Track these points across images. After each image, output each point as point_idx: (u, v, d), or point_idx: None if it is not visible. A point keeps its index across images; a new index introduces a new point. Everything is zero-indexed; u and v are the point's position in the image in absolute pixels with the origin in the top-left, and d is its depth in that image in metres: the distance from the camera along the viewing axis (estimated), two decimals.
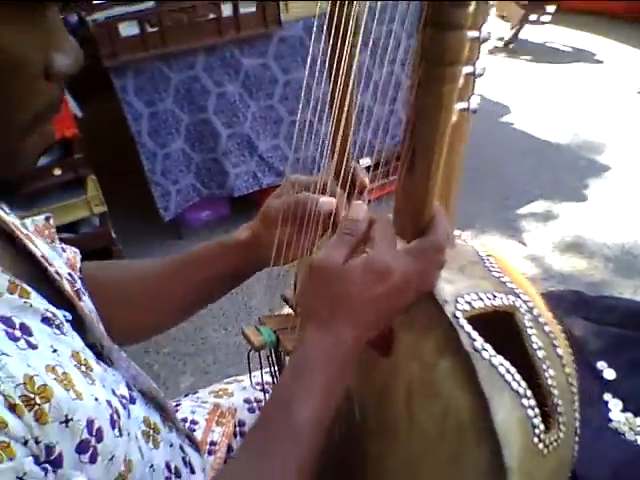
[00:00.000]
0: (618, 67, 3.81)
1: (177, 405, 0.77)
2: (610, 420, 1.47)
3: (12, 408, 0.36)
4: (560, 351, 0.56)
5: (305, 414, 0.46)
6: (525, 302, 0.56)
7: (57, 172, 1.97)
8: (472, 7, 0.46)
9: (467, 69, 0.50)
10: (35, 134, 0.41)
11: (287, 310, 0.67)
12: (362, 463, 0.67)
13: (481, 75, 0.51)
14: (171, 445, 0.58)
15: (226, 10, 2.07)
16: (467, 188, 2.53)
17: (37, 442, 0.38)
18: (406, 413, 0.58)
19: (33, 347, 0.41)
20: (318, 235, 0.60)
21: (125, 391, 0.52)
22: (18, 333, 0.41)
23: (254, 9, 2.10)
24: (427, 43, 0.43)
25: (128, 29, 1.99)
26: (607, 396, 1.52)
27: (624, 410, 1.49)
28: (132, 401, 0.53)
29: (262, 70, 2.20)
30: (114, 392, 0.49)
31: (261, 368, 0.63)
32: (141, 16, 2.01)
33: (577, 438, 0.59)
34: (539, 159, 2.77)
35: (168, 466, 0.56)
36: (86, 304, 0.55)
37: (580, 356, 1.62)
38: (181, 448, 0.61)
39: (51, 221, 0.59)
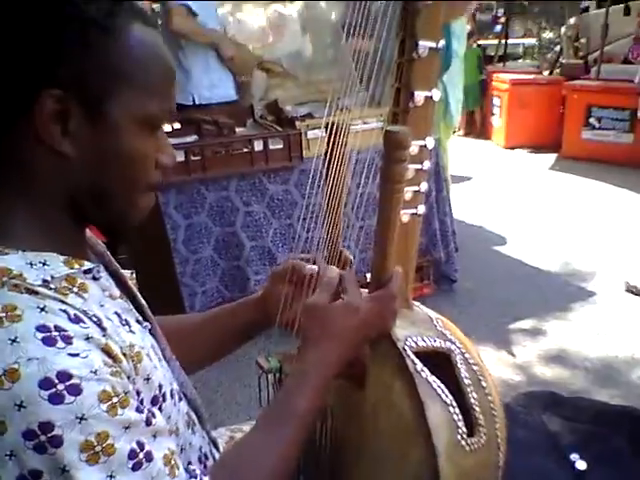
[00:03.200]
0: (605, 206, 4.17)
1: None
2: None
3: (123, 355, 0.60)
4: (484, 384, 0.79)
5: (299, 404, 0.70)
6: (459, 348, 0.80)
7: None
8: (415, 149, 0.77)
9: (414, 188, 0.80)
10: (144, 198, 0.66)
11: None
12: (342, 473, 0.87)
13: (423, 193, 0.81)
14: (203, 437, 0.79)
15: (258, 146, 2.48)
16: (464, 305, 2.80)
17: (134, 383, 0.60)
18: (372, 426, 0.80)
19: (132, 332, 0.65)
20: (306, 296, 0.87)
21: (177, 388, 0.74)
22: (124, 322, 0.65)
23: (281, 146, 2.51)
24: (382, 170, 0.72)
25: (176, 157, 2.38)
26: None
27: None
28: (180, 398, 0.75)
29: (284, 195, 2.56)
30: (170, 383, 0.72)
31: (267, 387, 0.87)
32: (187, 147, 2.40)
33: (501, 454, 0.78)
34: (531, 283, 3.05)
35: (201, 449, 0.77)
36: None
37: (555, 448, 1.80)
38: (209, 444, 0.82)
39: (133, 275, 0.87)
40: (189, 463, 0.72)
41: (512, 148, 5.89)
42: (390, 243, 0.75)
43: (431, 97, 0.75)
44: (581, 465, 1.72)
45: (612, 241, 3.57)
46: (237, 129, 2.67)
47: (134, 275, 0.85)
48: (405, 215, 0.80)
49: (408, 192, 0.79)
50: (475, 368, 0.80)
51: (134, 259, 2.41)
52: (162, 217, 2.39)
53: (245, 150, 2.46)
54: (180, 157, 2.38)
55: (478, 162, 5.26)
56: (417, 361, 0.76)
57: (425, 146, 0.77)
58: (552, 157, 5.57)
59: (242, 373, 2.25)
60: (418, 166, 0.78)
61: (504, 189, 4.66)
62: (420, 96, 0.74)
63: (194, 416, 0.79)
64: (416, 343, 0.78)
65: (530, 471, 1.65)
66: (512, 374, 2.27)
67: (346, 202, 0.95)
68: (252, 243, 2.53)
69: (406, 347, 0.77)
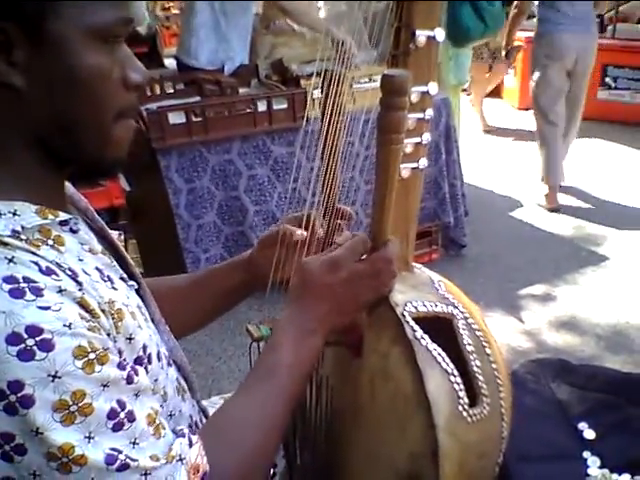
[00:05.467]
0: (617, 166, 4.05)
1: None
2: (588, 475, 1.56)
3: (102, 311, 0.56)
4: (489, 351, 0.73)
5: (279, 359, 0.66)
6: (462, 312, 0.75)
7: None
8: (416, 96, 0.70)
9: (415, 139, 0.73)
10: (119, 125, 0.60)
11: None
12: (338, 446, 0.83)
13: (425, 144, 0.74)
14: (193, 405, 0.76)
15: (261, 106, 2.40)
16: (473, 270, 2.74)
17: (115, 341, 0.56)
18: (370, 398, 0.75)
19: (115, 289, 0.61)
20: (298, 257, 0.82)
21: (166, 352, 0.71)
22: (106, 279, 0.61)
23: (285, 106, 2.43)
24: (379, 118, 0.65)
25: (176, 118, 2.31)
26: (586, 454, 1.63)
27: (602, 467, 1.59)
28: (169, 364, 0.71)
29: (289, 157, 2.49)
30: (157, 345, 0.68)
31: (259, 355, 0.83)
32: (188, 108, 2.33)
33: (505, 424, 0.74)
34: (542, 248, 2.98)
35: (191, 417, 0.73)
36: None
37: (563, 417, 1.75)
38: (199, 413, 0.78)
39: (122, 237, 0.82)
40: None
41: (526, 109, 5.69)
42: (388, 199, 0.69)
43: (434, 37, 0.68)
44: (589, 434, 1.68)
45: (627, 204, 3.47)
46: (242, 89, 2.60)
47: (122, 237, 0.80)
48: (405, 169, 0.74)
49: (409, 144, 0.72)
50: (479, 334, 0.74)
51: (135, 225, 2.38)
52: (163, 181, 2.33)
53: (248, 111, 2.39)
54: (181, 118, 2.32)
55: (491, 123, 5.10)
56: (417, 327, 0.70)
57: (427, 92, 0.70)
58: None
59: (245, 341, 2.22)
60: (420, 115, 0.71)
61: (517, 151, 4.53)
62: (422, 36, 0.67)
63: (184, 383, 0.76)
64: (416, 308, 0.73)
65: (537, 440, 1.61)
66: (521, 340, 2.23)
67: (354, 164, 0.89)
68: (256, 208, 2.48)
69: (405, 313, 0.71)
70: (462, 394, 0.68)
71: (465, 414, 0.68)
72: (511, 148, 4.65)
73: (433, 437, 0.66)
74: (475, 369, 0.71)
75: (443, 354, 0.69)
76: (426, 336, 0.70)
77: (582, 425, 1.72)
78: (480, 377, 0.71)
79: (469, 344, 0.72)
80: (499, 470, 1.60)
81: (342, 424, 0.82)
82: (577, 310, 2.43)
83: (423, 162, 0.75)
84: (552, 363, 1.94)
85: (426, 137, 0.73)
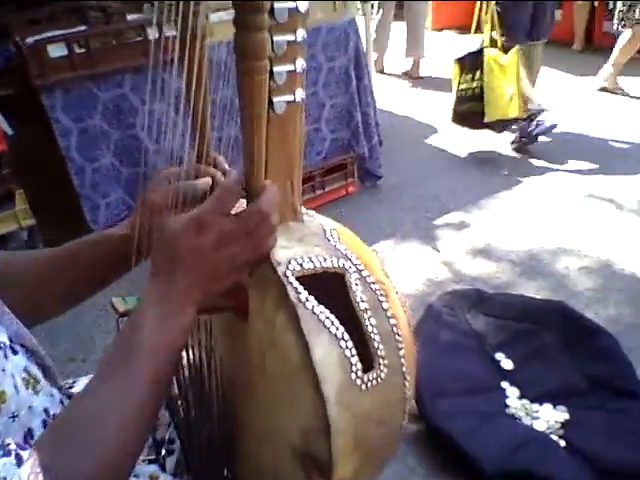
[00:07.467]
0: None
1: (73, 382, 0.84)
2: (507, 406, 1.59)
3: None
4: (385, 305, 0.65)
5: (140, 340, 0.55)
6: (355, 265, 0.66)
7: None
8: (284, 15, 0.58)
9: (289, 67, 0.61)
10: None
11: None
12: (233, 422, 0.75)
13: (300, 73, 0.62)
14: (52, 395, 0.65)
15: (152, 33, 2.17)
16: (391, 200, 2.69)
17: None
18: (261, 369, 0.66)
19: None
20: None
21: (6, 340, 0.59)
22: None
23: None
24: (235, 43, 0.53)
25: (57, 51, 2.06)
26: (505, 384, 1.65)
27: (521, 397, 1.61)
28: (14, 352, 0.60)
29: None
30: None
31: None
32: (69, 38, 2.08)
33: (407, 384, 0.67)
34: (457, 176, 2.96)
35: (47, 412, 0.63)
36: None
37: (480, 349, 1.75)
38: (61, 402, 0.67)
39: None
40: (29, 430, 0.59)
41: (439, 29, 5.61)
42: (258, 139, 0.58)
43: None
44: (507, 364, 1.71)
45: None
46: (131, 16, 2.34)
47: None
48: (280, 104, 0.62)
49: (281, 73, 0.60)
50: (375, 287, 0.66)
51: (20, 174, 2.14)
52: (49, 122, 2.10)
53: (138, 39, 2.16)
54: (62, 51, 2.07)
55: (403, 45, 4.97)
56: (301, 289, 0.61)
57: (296, 9, 0.58)
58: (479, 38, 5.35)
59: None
60: (290, 37, 0.59)
61: (432, 73, 4.45)
62: None
63: (37, 371, 0.64)
64: (301, 265, 0.63)
65: (454, 374, 1.60)
66: (437, 271, 2.22)
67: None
68: (156, 146, 2.29)
69: (288, 272, 0.62)
70: (354, 360, 0.61)
71: (359, 382, 0.61)
72: (423, 70, 4.55)
73: (323, 412, 0.58)
74: (370, 328, 0.63)
75: (332, 317, 0.61)
76: (311, 298, 0.61)
77: (499, 355, 1.74)
78: (376, 337, 0.63)
79: (362, 301, 0.64)
80: (418, 410, 1.58)
81: (235, 399, 0.74)
82: (492, 237, 2.44)
83: (300, 94, 0.63)
84: (468, 294, 1.94)
85: (300, 64, 0.62)
